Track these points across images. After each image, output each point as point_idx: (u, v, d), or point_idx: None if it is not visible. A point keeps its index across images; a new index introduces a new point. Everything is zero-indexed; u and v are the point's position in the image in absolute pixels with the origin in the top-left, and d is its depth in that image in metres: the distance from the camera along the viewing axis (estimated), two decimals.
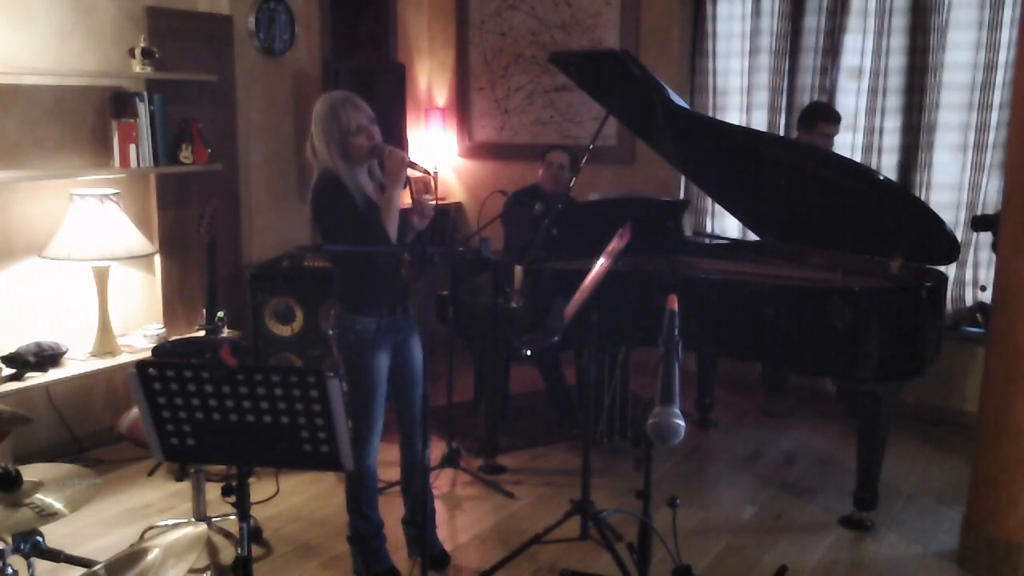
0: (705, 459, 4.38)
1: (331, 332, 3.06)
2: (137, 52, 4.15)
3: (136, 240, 4.05)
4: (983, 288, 4.68)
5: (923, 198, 4.64)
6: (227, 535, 3.38)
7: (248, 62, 4.87)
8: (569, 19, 5.69)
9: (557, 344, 3.21)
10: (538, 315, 3.73)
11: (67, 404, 4.16)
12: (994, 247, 3.42)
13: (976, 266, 4.74)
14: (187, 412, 2.04)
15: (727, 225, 5.32)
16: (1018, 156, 3.09)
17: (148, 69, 4.18)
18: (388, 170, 2.93)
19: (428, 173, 3.10)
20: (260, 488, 3.69)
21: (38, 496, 2.36)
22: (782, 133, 5.15)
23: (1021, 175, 3.08)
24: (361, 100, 2.96)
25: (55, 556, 2.81)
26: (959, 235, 4.49)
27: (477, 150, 6.21)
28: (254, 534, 3.46)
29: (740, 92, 5.34)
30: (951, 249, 3.69)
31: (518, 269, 3.88)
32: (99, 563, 2.01)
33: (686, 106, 4.11)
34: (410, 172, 2.99)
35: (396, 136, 5.55)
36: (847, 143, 5.02)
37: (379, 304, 2.99)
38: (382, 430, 3.11)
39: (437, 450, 4.10)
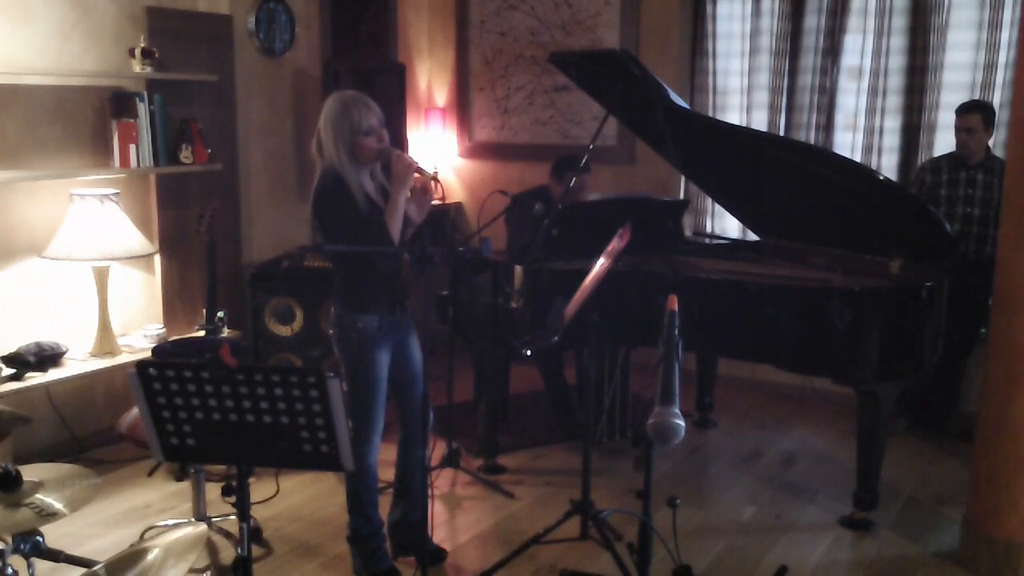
0: (705, 459, 4.38)
1: (331, 331, 3.06)
2: (137, 52, 4.15)
3: (136, 240, 4.05)
4: None
5: None
6: (227, 535, 3.38)
7: (248, 62, 4.87)
8: (569, 19, 5.69)
9: (557, 344, 3.21)
10: (538, 315, 3.73)
11: (67, 404, 4.16)
12: None
13: None
14: (187, 412, 2.04)
15: (727, 225, 5.32)
16: (1018, 156, 3.09)
17: (148, 69, 4.18)
18: (395, 174, 2.92)
19: (436, 180, 3.09)
20: (260, 488, 3.69)
21: (38, 496, 2.36)
22: (782, 133, 5.15)
23: (1021, 175, 3.08)
24: (372, 102, 2.95)
25: (55, 556, 2.81)
26: None
27: (477, 150, 6.21)
28: (254, 534, 3.46)
29: (740, 92, 5.34)
30: (950, 249, 3.68)
31: (518, 269, 3.88)
32: (99, 563, 2.01)
33: (686, 106, 4.11)
34: None
35: (396, 136, 5.56)
36: (847, 143, 5.02)
37: (379, 303, 3.00)
38: (383, 430, 3.11)
39: (437, 450, 4.10)
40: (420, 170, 2.95)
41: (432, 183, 3.09)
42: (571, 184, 4.12)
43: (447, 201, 6.20)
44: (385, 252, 2.95)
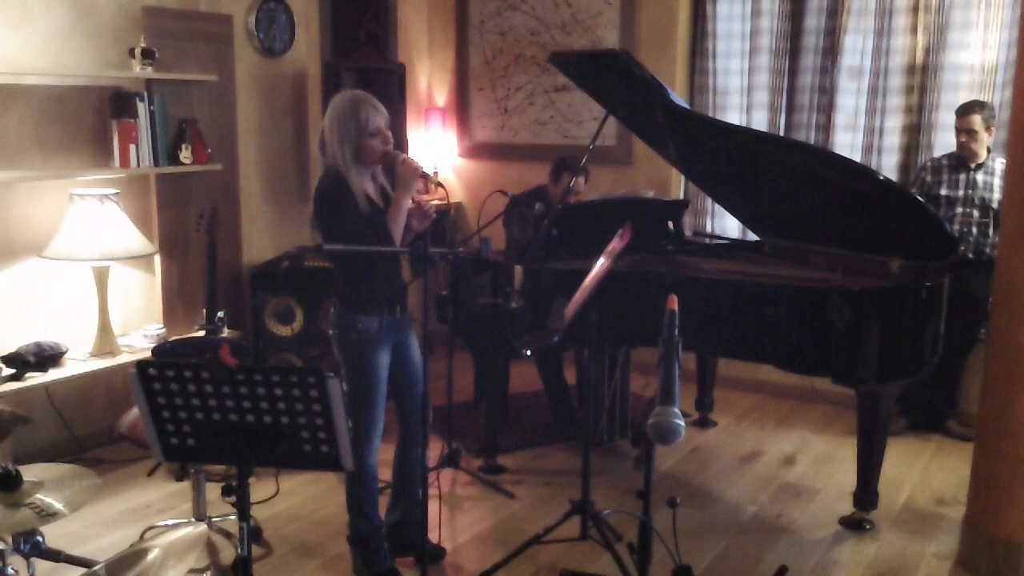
0: (705, 459, 4.38)
1: (331, 332, 3.06)
2: (137, 52, 4.14)
3: (136, 240, 4.05)
4: None
5: None
6: (227, 535, 3.38)
7: (248, 62, 4.87)
8: (569, 19, 5.69)
9: (557, 344, 3.21)
10: (538, 315, 3.74)
11: (67, 404, 4.16)
12: None
13: None
14: (187, 412, 2.04)
15: (727, 225, 5.32)
16: (1018, 156, 3.09)
17: (148, 69, 4.18)
18: (400, 177, 2.92)
19: (441, 185, 3.07)
20: (260, 488, 3.69)
21: (38, 496, 2.36)
22: (782, 133, 5.15)
23: (1021, 175, 3.08)
24: (380, 103, 2.95)
25: (55, 556, 2.81)
26: None
27: (477, 150, 6.21)
28: (254, 534, 3.46)
29: (740, 92, 5.34)
30: (950, 249, 3.68)
31: (518, 269, 3.88)
32: (99, 563, 2.01)
33: (686, 106, 4.11)
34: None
35: (396, 136, 5.55)
36: (847, 143, 5.02)
37: (380, 303, 3.00)
38: (382, 430, 3.11)
39: (437, 450, 4.10)
40: (425, 175, 2.95)
41: (436, 187, 3.09)
42: (570, 185, 4.13)
43: (447, 201, 6.20)
44: (385, 252, 2.95)
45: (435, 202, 3.35)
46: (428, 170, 3.13)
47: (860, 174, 3.81)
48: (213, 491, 3.35)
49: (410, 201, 2.98)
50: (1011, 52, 4.40)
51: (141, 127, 4.15)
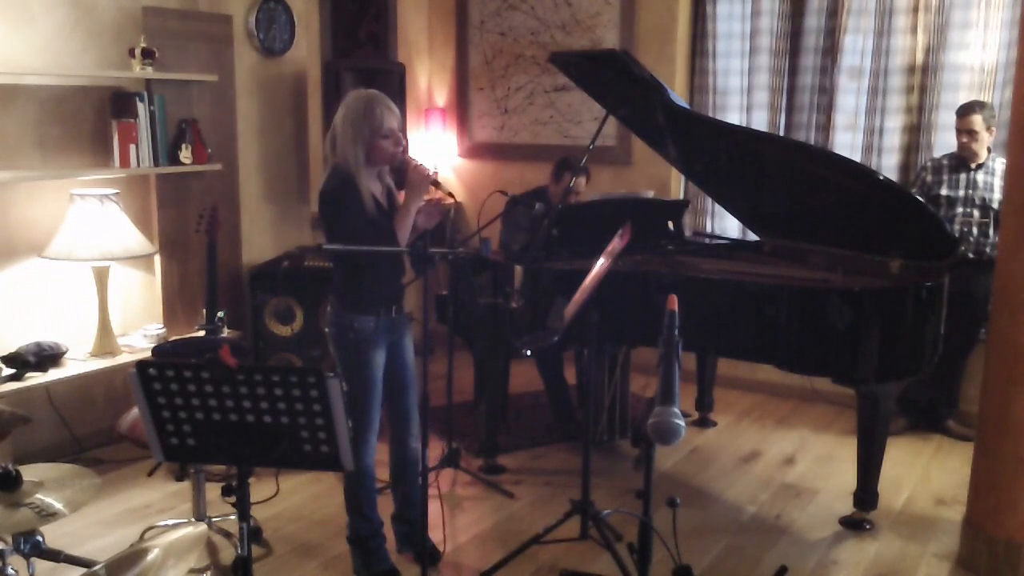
0: (705, 459, 4.38)
1: (327, 330, 3.06)
2: (137, 52, 4.14)
3: (136, 240, 4.05)
4: None
5: None
6: (227, 535, 3.38)
7: (248, 62, 4.87)
8: (569, 19, 5.69)
9: (557, 344, 3.21)
10: (538, 315, 3.74)
11: (67, 404, 4.16)
12: None
13: None
14: (187, 412, 2.04)
15: (727, 225, 5.33)
16: (1018, 156, 3.09)
17: (148, 69, 4.18)
18: (411, 183, 2.90)
19: (452, 196, 3.06)
20: (260, 488, 3.68)
21: (38, 496, 2.36)
22: (782, 133, 5.15)
23: (1021, 175, 3.08)
24: (393, 104, 2.93)
25: (55, 556, 2.81)
26: None
27: (477, 150, 6.21)
28: (254, 534, 3.46)
29: (740, 92, 5.34)
30: (950, 249, 3.68)
31: (518, 269, 3.88)
32: (99, 563, 2.01)
33: (686, 106, 4.11)
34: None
35: None
36: (847, 143, 5.02)
37: (376, 303, 2.99)
38: (379, 430, 3.11)
39: (436, 450, 4.10)
40: (436, 183, 2.94)
41: (446, 194, 3.08)
42: (570, 185, 4.13)
43: (447, 202, 6.20)
44: (383, 252, 2.95)
45: (443, 203, 3.34)
46: (429, 170, 3.12)
47: (860, 174, 3.81)
48: (213, 491, 3.35)
49: (417, 207, 2.98)
50: (1011, 52, 4.40)
51: (141, 127, 4.15)
